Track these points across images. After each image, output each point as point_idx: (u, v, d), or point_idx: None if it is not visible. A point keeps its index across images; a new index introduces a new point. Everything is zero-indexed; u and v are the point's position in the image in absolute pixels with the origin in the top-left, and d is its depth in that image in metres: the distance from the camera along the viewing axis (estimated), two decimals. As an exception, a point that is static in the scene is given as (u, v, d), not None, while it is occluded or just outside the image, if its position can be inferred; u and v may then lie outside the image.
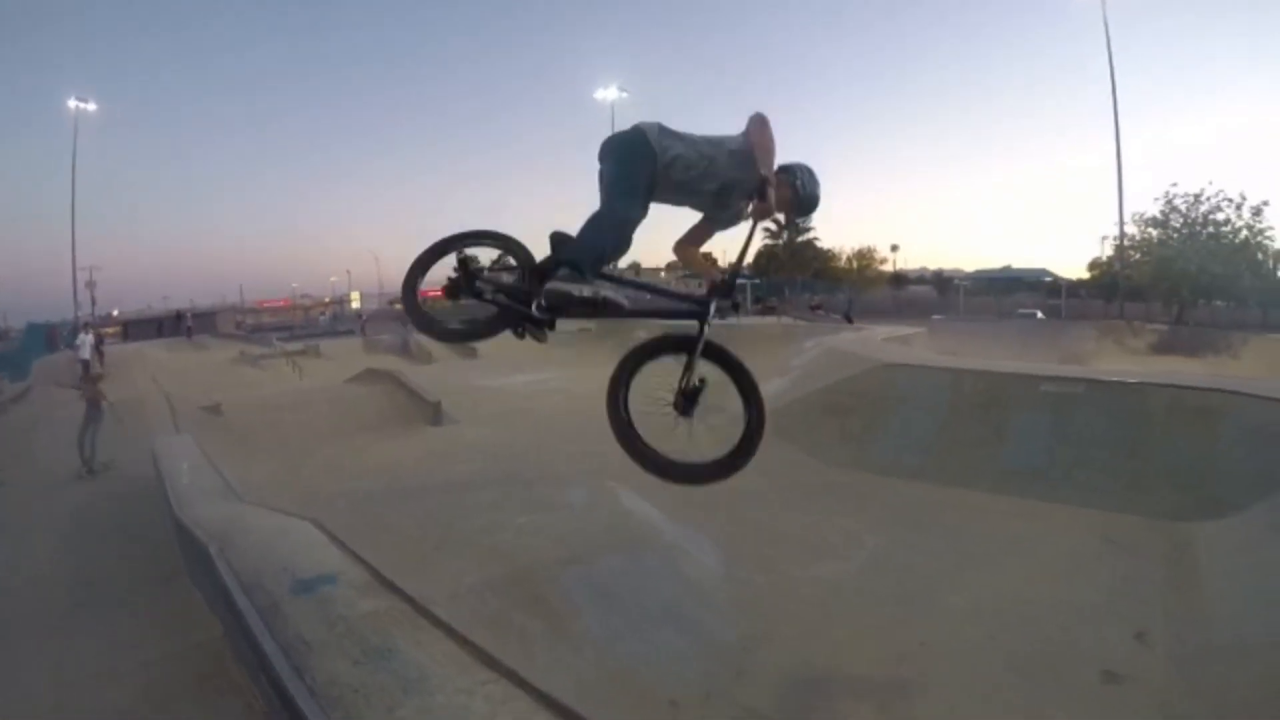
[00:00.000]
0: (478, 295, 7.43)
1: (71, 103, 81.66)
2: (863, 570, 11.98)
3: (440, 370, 30.76)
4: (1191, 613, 10.71)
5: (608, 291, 7.15)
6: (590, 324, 41.59)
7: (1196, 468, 15.06)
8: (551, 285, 7.02)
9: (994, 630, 10.06)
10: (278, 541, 9.90)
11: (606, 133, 7.13)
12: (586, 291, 7.01)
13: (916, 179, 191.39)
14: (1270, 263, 53.68)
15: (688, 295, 7.61)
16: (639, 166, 6.57)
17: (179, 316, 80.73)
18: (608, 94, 78.86)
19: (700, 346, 7.37)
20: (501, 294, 7.28)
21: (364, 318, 69.72)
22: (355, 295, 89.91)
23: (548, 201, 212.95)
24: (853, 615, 10.36)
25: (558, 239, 6.99)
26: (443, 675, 5.18)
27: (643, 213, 6.83)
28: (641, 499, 12.92)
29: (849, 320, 47.06)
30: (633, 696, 7.78)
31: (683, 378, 7.64)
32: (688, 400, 7.83)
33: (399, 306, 70.47)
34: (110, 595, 12.68)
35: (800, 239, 79.24)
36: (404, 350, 37.44)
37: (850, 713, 8.13)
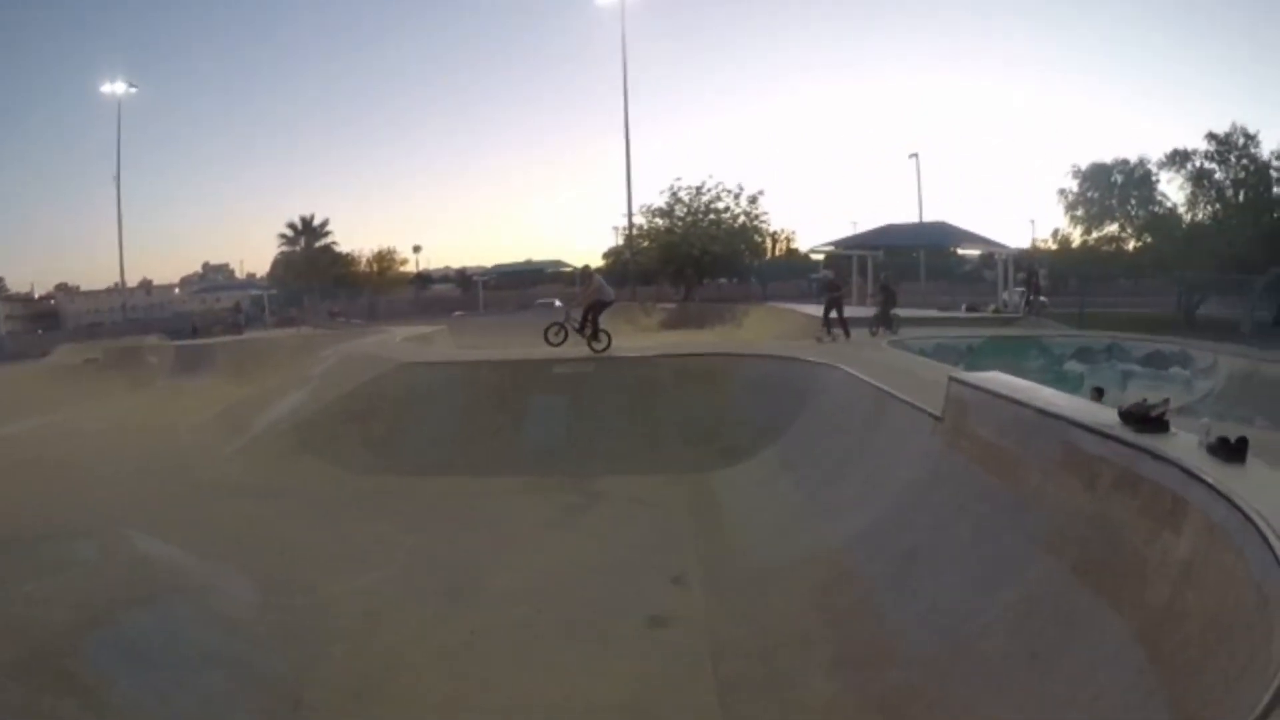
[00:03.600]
0: None
1: None
2: (403, 573, 12.03)
3: None
4: (719, 550, 12.00)
5: None
6: (98, 353, 38.79)
7: (708, 425, 16.77)
8: None
9: (540, 604, 10.66)
10: None
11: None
12: None
13: (438, 181, 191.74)
14: (764, 242, 60.28)
15: None
16: None
17: None
18: (115, 89, 70.61)
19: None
20: None
21: None
22: None
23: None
24: (400, 619, 10.42)
25: None
26: None
27: None
28: (161, 542, 12.20)
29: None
30: (188, 754, 7.30)
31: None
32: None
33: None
34: None
35: (318, 244, 77.99)
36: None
37: (415, 717, 8.24)
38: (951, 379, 10.47)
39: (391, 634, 9.99)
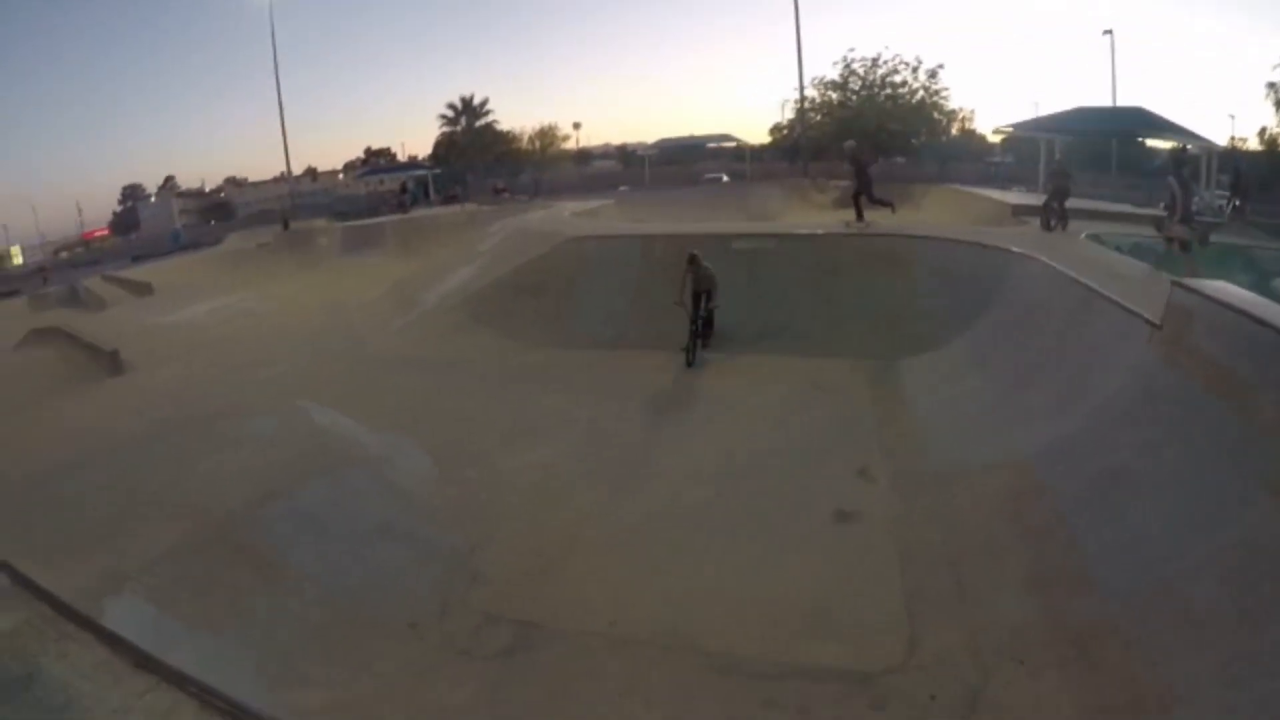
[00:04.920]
0: None
1: None
2: (578, 448, 11.75)
3: (116, 315, 27.75)
4: (905, 445, 11.19)
5: None
6: (269, 238, 39.60)
7: (892, 310, 15.77)
8: None
9: (720, 488, 10.18)
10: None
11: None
12: None
13: (597, 56, 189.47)
14: (944, 120, 56.74)
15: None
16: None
17: None
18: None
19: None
20: None
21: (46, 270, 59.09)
22: (15, 250, 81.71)
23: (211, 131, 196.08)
24: (573, 497, 10.18)
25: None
26: (94, 695, 4.22)
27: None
28: (338, 414, 12.13)
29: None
30: (368, 628, 7.31)
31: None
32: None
33: (65, 255, 64.80)
34: None
35: (479, 124, 78.40)
36: (74, 300, 34.12)
37: (590, 599, 7.92)
38: (1175, 284, 9.14)
39: (567, 511, 9.77)
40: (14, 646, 4.53)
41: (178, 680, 4.25)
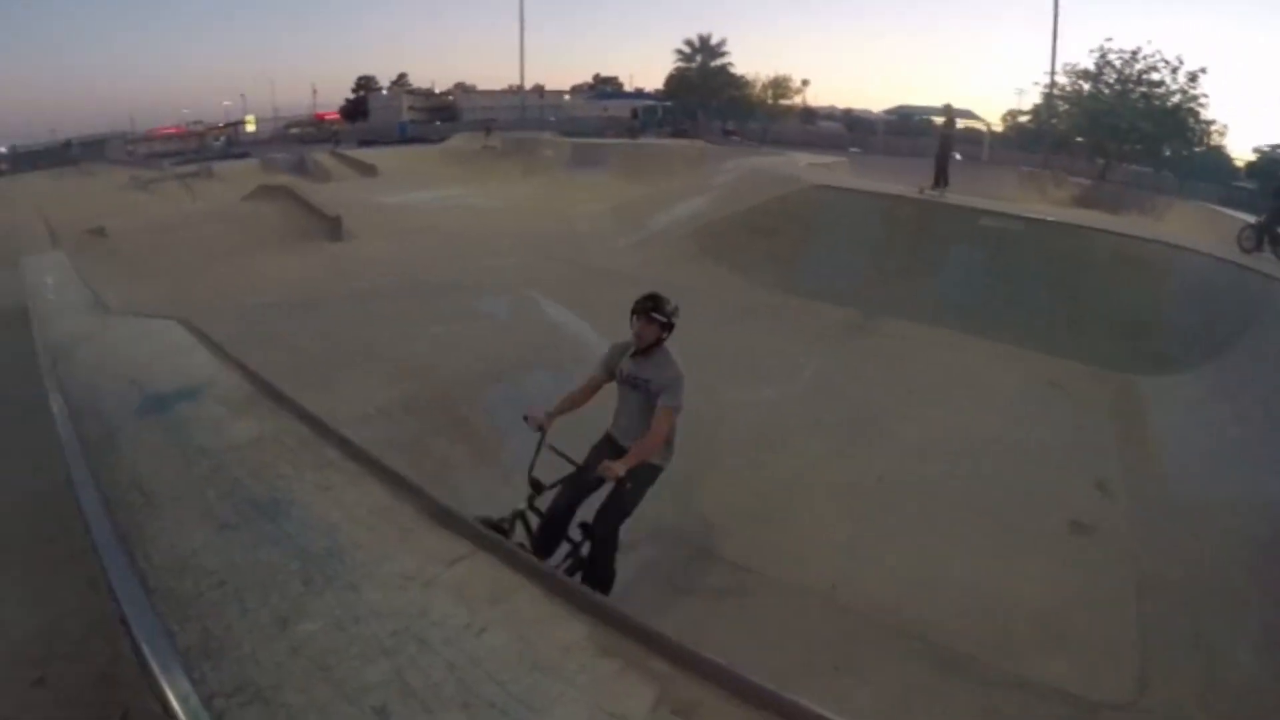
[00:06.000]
0: None
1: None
2: (804, 395, 11.23)
3: (339, 188, 28.89)
4: (1148, 467, 10.23)
5: None
6: (495, 142, 40.15)
7: (1140, 320, 14.50)
8: None
9: (951, 468, 9.51)
10: (131, 348, 7.66)
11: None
12: None
13: (832, 16, 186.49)
14: (1199, 131, 52.66)
15: None
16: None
17: (66, 145, 69.05)
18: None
19: None
20: None
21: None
22: (250, 119, 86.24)
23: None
24: (798, 443, 9.68)
25: None
26: (372, 548, 3.32)
27: None
28: (568, 311, 11.84)
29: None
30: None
31: None
32: None
33: (296, 131, 67.69)
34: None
35: (714, 64, 78.08)
36: (301, 169, 35.35)
37: (810, 555, 7.41)
38: None
39: (790, 458, 9.31)
40: (256, 462, 3.87)
41: (505, 555, 3.43)
